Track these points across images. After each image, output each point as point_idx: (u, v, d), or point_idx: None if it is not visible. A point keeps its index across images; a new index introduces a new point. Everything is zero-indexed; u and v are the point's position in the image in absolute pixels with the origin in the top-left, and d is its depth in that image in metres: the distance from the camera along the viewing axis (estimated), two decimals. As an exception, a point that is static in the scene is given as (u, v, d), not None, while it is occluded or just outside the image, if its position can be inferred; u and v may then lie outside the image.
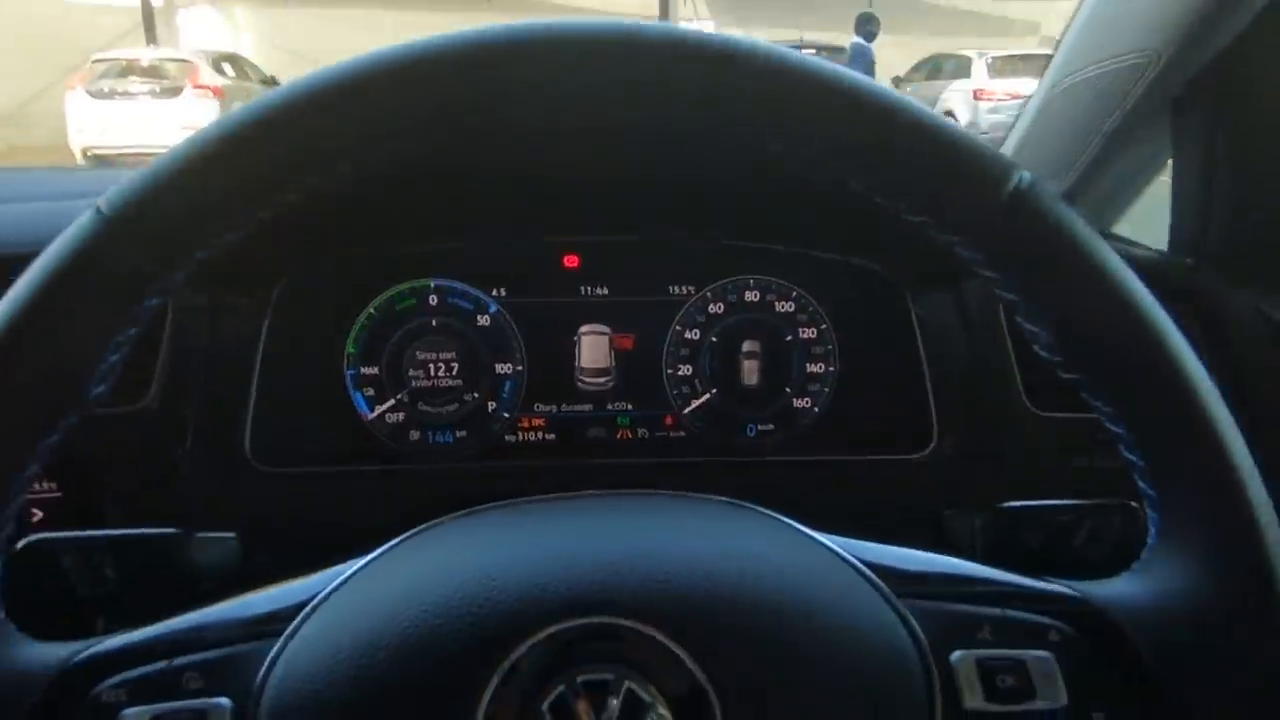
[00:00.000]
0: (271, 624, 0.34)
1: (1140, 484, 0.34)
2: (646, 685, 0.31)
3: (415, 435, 0.72)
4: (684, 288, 0.74)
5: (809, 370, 0.74)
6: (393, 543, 0.37)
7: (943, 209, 0.33)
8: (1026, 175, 0.32)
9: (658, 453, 0.74)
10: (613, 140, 0.54)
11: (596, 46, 0.31)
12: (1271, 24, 0.59)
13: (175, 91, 8.17)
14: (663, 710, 0.31)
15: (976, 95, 8.56)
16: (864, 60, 7.87)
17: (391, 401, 0.71)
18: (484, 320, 0.72)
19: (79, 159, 8.16)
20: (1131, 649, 0.33)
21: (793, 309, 0.74)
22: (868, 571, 0.36)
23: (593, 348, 0.74)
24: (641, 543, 0.36)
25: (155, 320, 0.35)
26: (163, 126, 7.97)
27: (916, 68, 10.61)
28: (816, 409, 0.74)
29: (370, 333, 0.71)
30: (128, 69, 8.38)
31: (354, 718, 0.31)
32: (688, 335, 0.74)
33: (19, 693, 0.31)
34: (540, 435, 0.74)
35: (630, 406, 0.74)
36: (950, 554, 0.39)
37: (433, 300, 0.72)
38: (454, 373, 0.72)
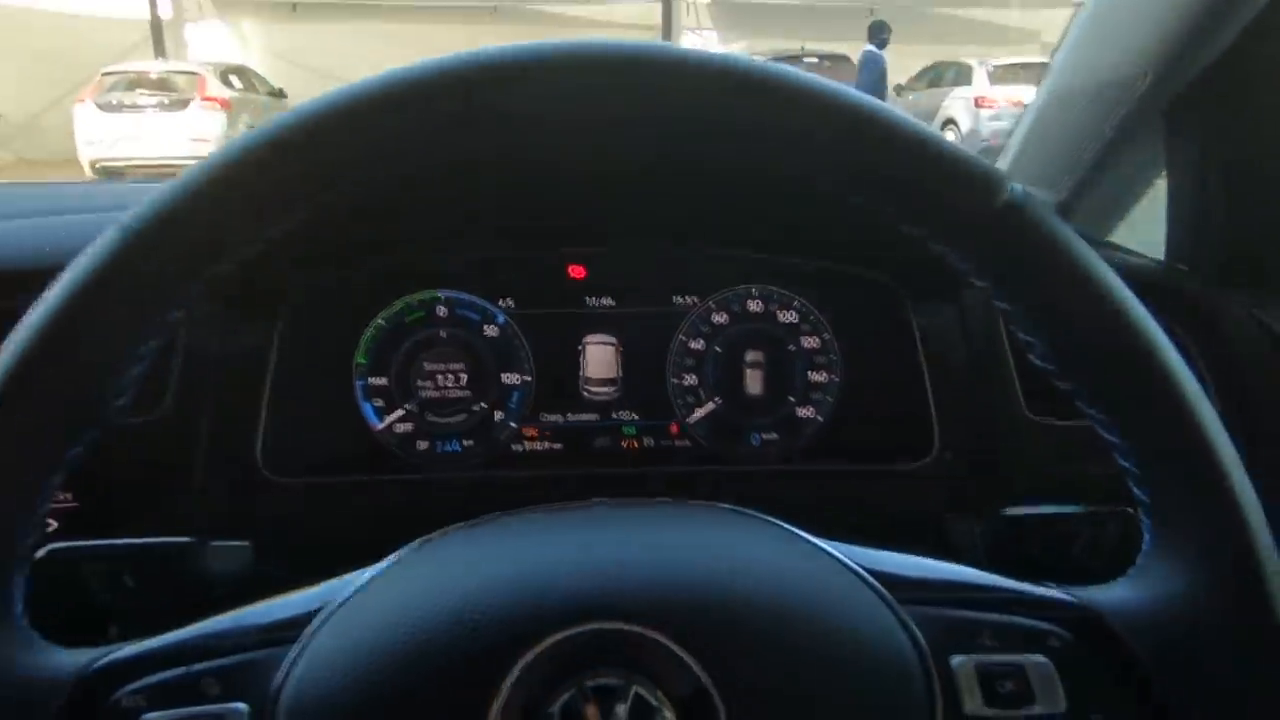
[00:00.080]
0: (287, 630, 0.34)
1: (1135, 490, 0.34)
2: (654, 689, 0.32)
3: (424, 445, 0.73)
4: (688, 298, 0.75)
5: (812, 380, 0.75)
6: (405, 550, 0.38)
7: (937, 221, 0.34)
8: (1018, 187, 0.33)
9: (662, 461, 0.75)
10: (617, 156, 0.55)
11: (604, 69, 0.32)
12: (1261, 36, 0.60)
13: (183, 104, 8.25)
14: (669, 714, 0.31)
15: (977, 103, 8.59)
16: (875, 68, 7.91)
17: (400, 412, 0.72)
18: (491, 331, 0.73)
19: (88, 171, 8.23)
20: (1129, 654, 0.34)
21: (795, 319, 0.75)
22: (869, 577, 0.36)
23: (598, 358, 0.74)
24: (648, 549, 0.37)
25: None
26: (171, 139, 8.05)
27: (918, 76, 10.65)
28: (820, 418, 0.75)
29: (379, 344, 0.72)
30: (136, 82, 8.47)
31: None
32: (692, 345, 0.75)
33: (44, 697, 0.32)
34: (546, 444, 0.75)
35: (635, 416, 0.75)
36: (951, 560, 0.39)
37: (441, 311, 0.73)
38: (462, 383, 0.73)
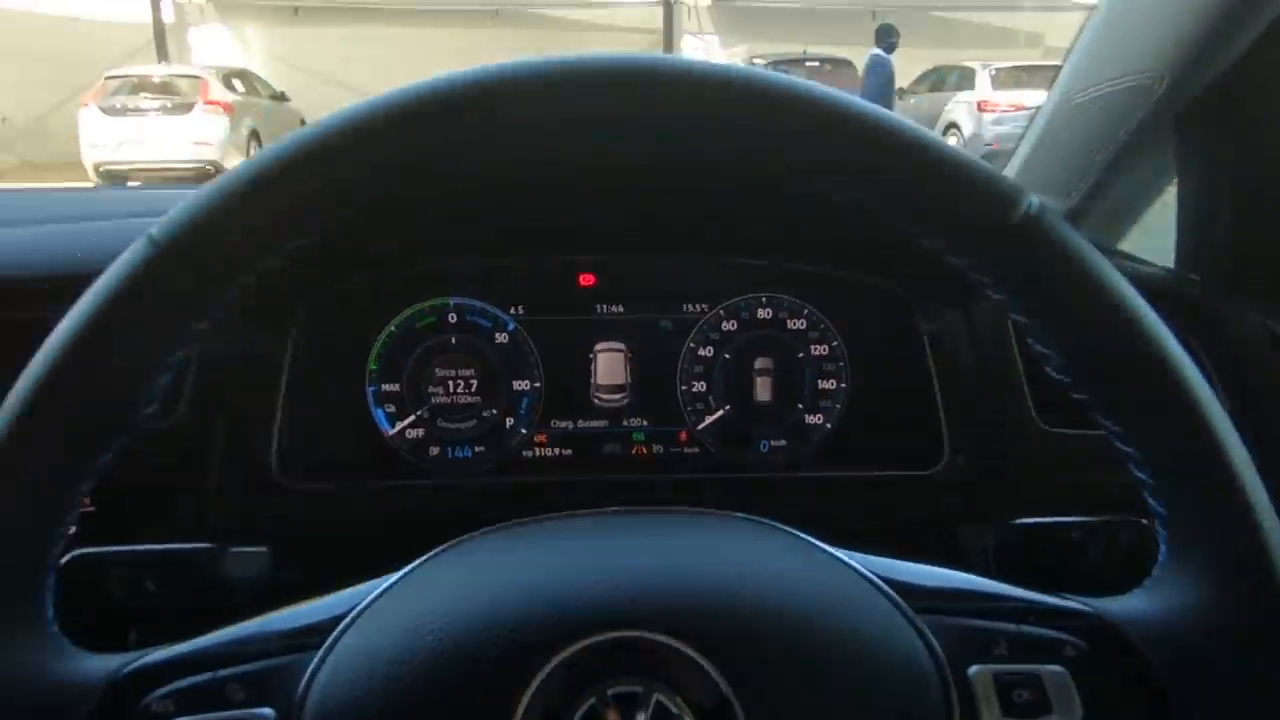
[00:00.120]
0: (311, 636, 0.35)
1: (1150, 502, 0.35)
2: (674, 697, 0.32)
3: (435, 451, 0.74)
4: (698, 306, 0.75)
5: (821, 387, 0.76)
6: (426, 557, 0.38)
7: (954, 234, 0.34)
8: (1035, 201, 0.33)
9: (671, 468, 0.75)
10: (630, 166, 0.56)
11: (621, 83, 0.32)
12: (1274, 44, 0.61)
13: (187, 107, 8.27)
14: None
15: (980, 107, 8.59)
16: (882, 72, 7.92)
17: (412, 418, 0.73)
18: (502, 338, 0.74)
19: (91, 174, 8.25)
20: (1144, 664, 0.34)
21: (804, 326, 0.76)
22: (886, 587, 0.37)
23: (608, 365, 0.75)
24: (668, 559, 0.37)
25: None
26: (174, 142, 8.08)
27: (920, 79, 10.65)
28: (828, 425, 0.76)
29: (391, 350, 0.73)
30: (140, 85, 8.49)
31: None
32: (701, 352, 0.75)
33: (75, 702, 0.32)
34: (556, 450, 0.75)
35: (645, 422, 0.75)
36: (961, 568, 0.40)
37: (452, 319, 0.73)
38: (473, 389, 0.73)
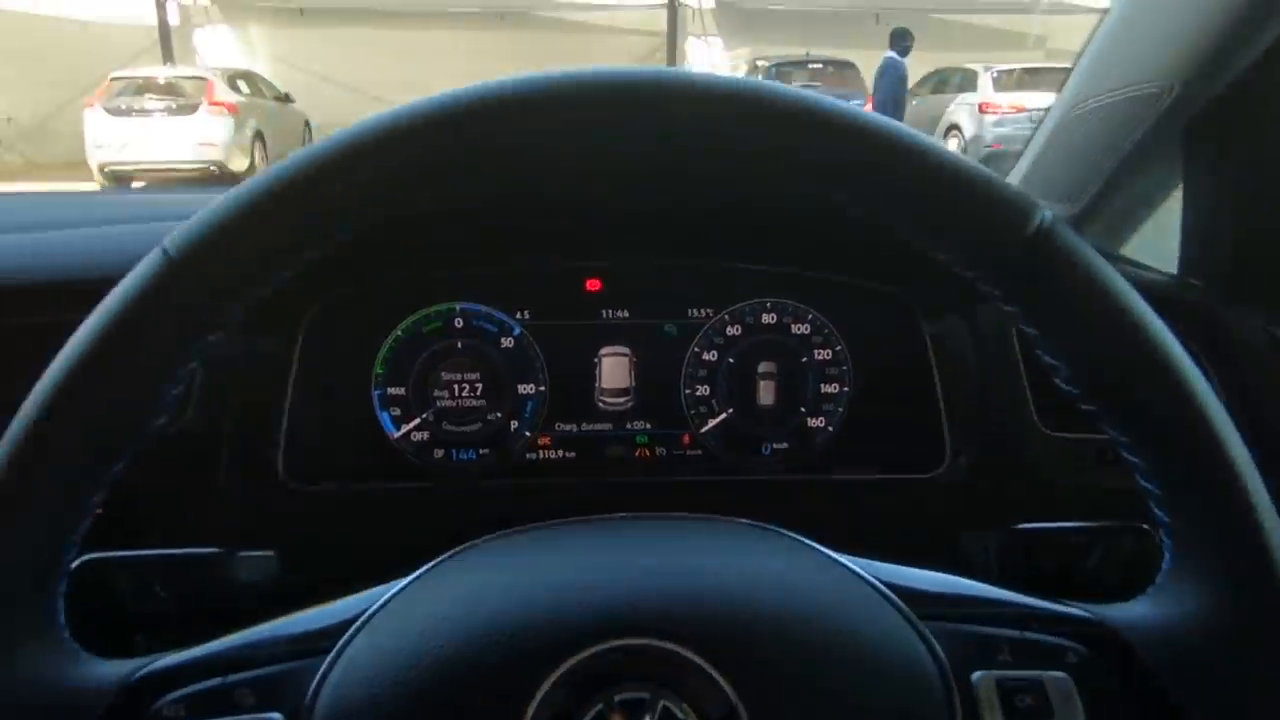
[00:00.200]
0: (320, 641, 0.35)
1: (1156, 511, 0.35)
2: (680, 703, 0.32)
3: (439, 453, 0.74)
4: (702, 310, 0.75)
5: (824, 390, 0.76)
6: (433, 563, 0.38)
7: (966, 246, 0.34)
8: (1048, 215, 0.33)
9: (675, 471, 0.76)
10: (638, 177, 0.56)
11: (632, 99, 0.33)
12: None
13: (191, 109, 8.29)
14: None
15: (982, 108, 8.58)
16: (895, 74, 7.95)
17: (417, 420, 0.73)
18: (508, 342, 0.74)
19: (96, 175, 8.28)
20: (1147, 671, 0.35)
21: (808, 331, 0.76)
22: (890, 594, 0.37)
23: (613, 369, 0.75)
24: (674, 566, 0.37)
25: None
26: (178, 143, 8.10)
27: (922, 81, 10.64)
28: (831, 428, 0.76)
29: (397, 354, 0.73)
30: (145, 86, 8.51)
31: None
32: (705, 356, 0.76)
33: (90, 706, 0.32)
34: (560, 453, 0.75)
35: (648, 425, 0.76)
36: (963, 573, 0.40)
37: (458, 323, 0.74)
38: (478, 393, 0.74)
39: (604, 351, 0.75)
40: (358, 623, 0.36)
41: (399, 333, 0.73)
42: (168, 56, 11.47)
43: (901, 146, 0.33)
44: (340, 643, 0.35)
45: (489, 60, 10.93)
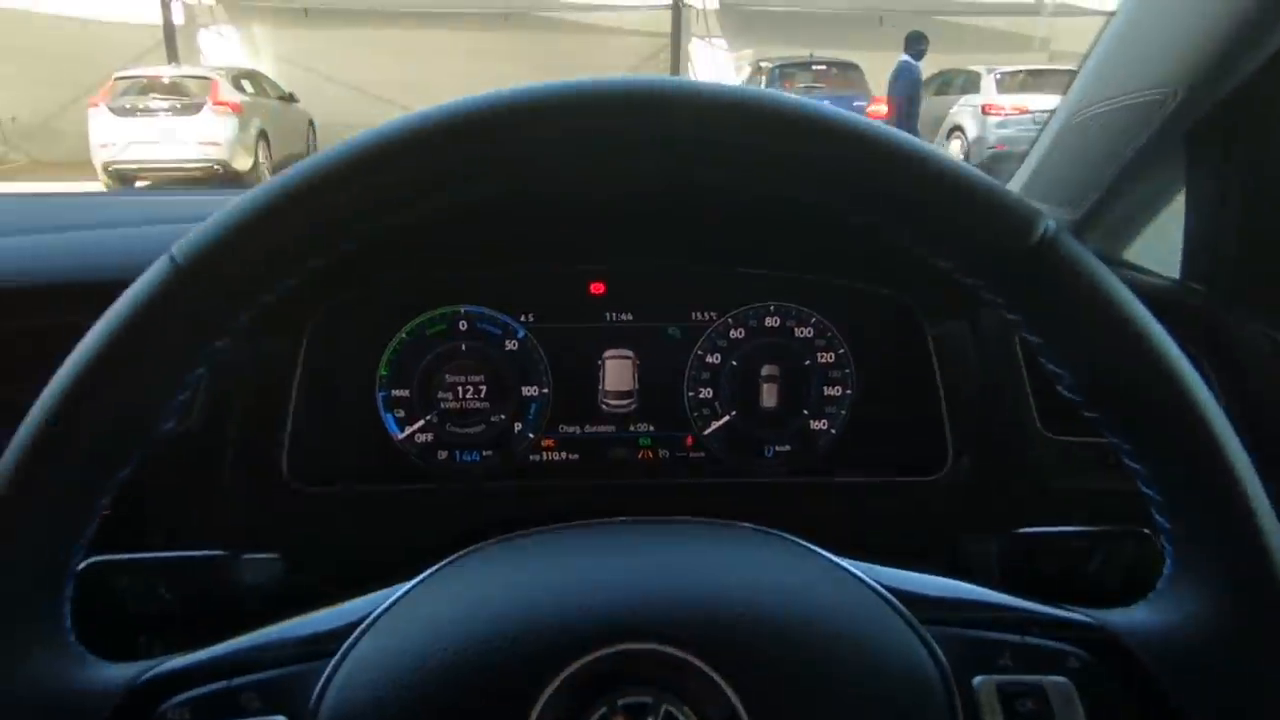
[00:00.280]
0: (325, 644, 0.35)
1: (1157, 517, 0.35)
2: (682, 707, 0.33)
3: (443, 455, 0.74)
4: (706, 314, 0.76)
5: (826, 393, 0.76)
6: (437, 566, 0.39)
7: (969, 255, 0.34)
8: (1052, 224, 0.33)
9: (678, 473, 0.76)
10: (643, 184, 0.56)
11: (641, 107, 0.33)
12: None
13: (195, 108, 8.30)
14: None
15: (985, 110, 8.59)
16: (909, 76, 7.98)
17: (421, 422, 0.73)
18: (512, 345, 0.74)
19: (100, 174, 8.30)
20: (1148, 676, 0.35)
21: (811, 334, 0.76)
22: (892, 598, 0.37)
23: (617, 371, 0.76)
24: (677, 570, 0.38)
25: None
26: (183, 142, 8.12)
27: (925, 83, 10.63)
28: (833, 431, 0.76)
29: (402, 356, 0.74)
30: (149, 86, 8.53)
31: None
32: (709, 359, 0.76)
33: (96, 709, 0.33)
34: (564, 455, 0.76)
35: (651, 428, 0.76)
36: (965, 577, 0.40)
37: (462, 325, 0.74)
38: (481, 395, 0.74)
39: (607, 354, 0.75)
40: (362, 626, 0.36)
41: (403, 335, 0.74)
42: (172, 56, 11.51)
43: (903, 154, 0.33)
44: (345, 646, 0.35)
45: (491, 61, 10.94)
